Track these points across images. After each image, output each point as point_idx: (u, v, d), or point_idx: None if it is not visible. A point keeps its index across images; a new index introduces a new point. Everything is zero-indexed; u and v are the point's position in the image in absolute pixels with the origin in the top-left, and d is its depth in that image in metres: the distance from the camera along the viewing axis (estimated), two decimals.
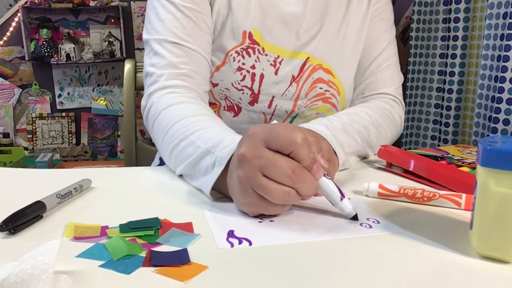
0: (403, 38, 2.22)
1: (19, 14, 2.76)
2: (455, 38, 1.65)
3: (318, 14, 0.81)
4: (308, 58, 0.81)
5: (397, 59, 0.89)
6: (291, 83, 0.81)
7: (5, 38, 2.83)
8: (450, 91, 1.69)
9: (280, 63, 0.79)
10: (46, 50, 2.78)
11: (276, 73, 0.79)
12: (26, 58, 2.81)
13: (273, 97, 0.80)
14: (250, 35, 0.78)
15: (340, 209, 0.48)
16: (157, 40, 0.73)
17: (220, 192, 0.54)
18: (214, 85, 0.80)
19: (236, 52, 0.78)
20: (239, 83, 0.78)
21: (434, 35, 1.77)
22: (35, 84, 2.92)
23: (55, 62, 2.81)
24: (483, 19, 1.54)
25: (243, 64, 0.78)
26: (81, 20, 2.90)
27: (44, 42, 2.78)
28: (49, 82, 2.95)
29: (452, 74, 1.68)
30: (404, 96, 1.90)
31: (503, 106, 1.31)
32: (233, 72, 0.78)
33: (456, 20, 1.64)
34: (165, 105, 0.67)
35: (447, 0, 1.69)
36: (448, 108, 1.71)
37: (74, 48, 2.79)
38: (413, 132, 1.90)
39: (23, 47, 2.81)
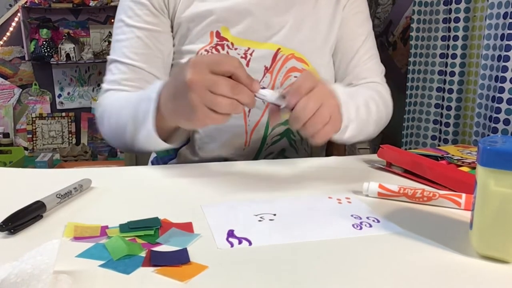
0: (403, 38, 2.22)
1: (19, 14, 2.76)
2: (456, 38, 1.65)
3: (286, 4, 0.82)
4: (279, 48, 0.82)
5: (376, 50, 0.93)
6: (264, 74, 0.82)
7: (5, 38, 2.83)
8: (451, 91, 1.69)
9: (251, 54, 0.80)
10: (46, 50, 2.78)
11: (247, 65, 0.80)
12: (26, 58, 2.81)
13: None
14: (218, 33, 0.79)
15: (281, 104, 0.58)
16: (111, 60, 0.79)
17: (162, 128, 0.63)
18: None
19: (206, 50, 0.79)
20: None
21: (434, 35, 1.77)
22: (35, 84, 2.92)
23: (55, 62, 2.81)
24: (483, 19, 1.54)
25: None
26: (81, 20, 2.90)
27: (44, 42, 2.78)
28: (49, 82, 2.95)
29: (452, 74, 1.68)
30: (404, 96, 1.91)
31: (504, 106, 1.31)
32: None
33: (457, 20, 1.64)
34: (103, 102, 0.76)
35: (447, 0, 1.69)
36: (449, 108, 1.71)
37: (74, 48, 2.79)
38: (413, 132, 1.90)
39: (23, 47, 2.81)
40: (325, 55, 0.87)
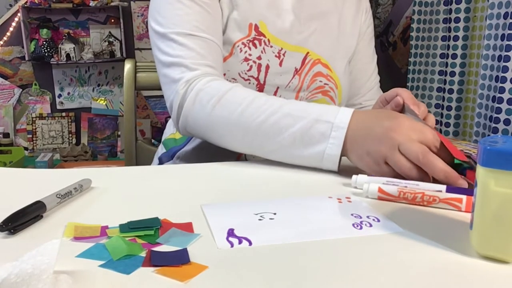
0: (403, 38, 2.22)
1: (19, 14, 2.77)
2: (456, 38, 1.65)
3: (317, 12, 0.86)
4: (308, 52, 0.85)
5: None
6: (294, 75, 0.84)
7: (5, 38, 2.83)
8: (451, 91, 1.69)
9: (283, 55, 0.83)
10: (46, 50, 2.78)
11: (280, 64, 0.82)
12: (26, 58, 2.81)
13: (278, 88, 0.84)
14: (256, 27, 0.80)
15: None
16: (179, 33, 0.73)
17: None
18: None
19: (243, 43, 0.80)
20: (245, 73, 0.81)
21: (434, 35, 1.77)
22: (35, 84, 2.92)
23: (55, 62, 2.81)
24: (483, 19, 1.54)
25: (250, 55, 0.80)
26: (81, 20, 2.91)
27: (44, 42, 2.78)
28: (49, 82, 2.95)
29: (452, 74, 1.68)
30: None
31: (504, 106, 1.31)
32: (240, 62, 0.80)
33: (457, 20, 1.64)
34: (226, 87, 0.69)
35: (448, 0, 1.69)
36: (449, 108, 1.71)
37: (74, 48, 2.79)
38: None
39: (23, 47, 2.81)
40: (345, 64, 0.91)
